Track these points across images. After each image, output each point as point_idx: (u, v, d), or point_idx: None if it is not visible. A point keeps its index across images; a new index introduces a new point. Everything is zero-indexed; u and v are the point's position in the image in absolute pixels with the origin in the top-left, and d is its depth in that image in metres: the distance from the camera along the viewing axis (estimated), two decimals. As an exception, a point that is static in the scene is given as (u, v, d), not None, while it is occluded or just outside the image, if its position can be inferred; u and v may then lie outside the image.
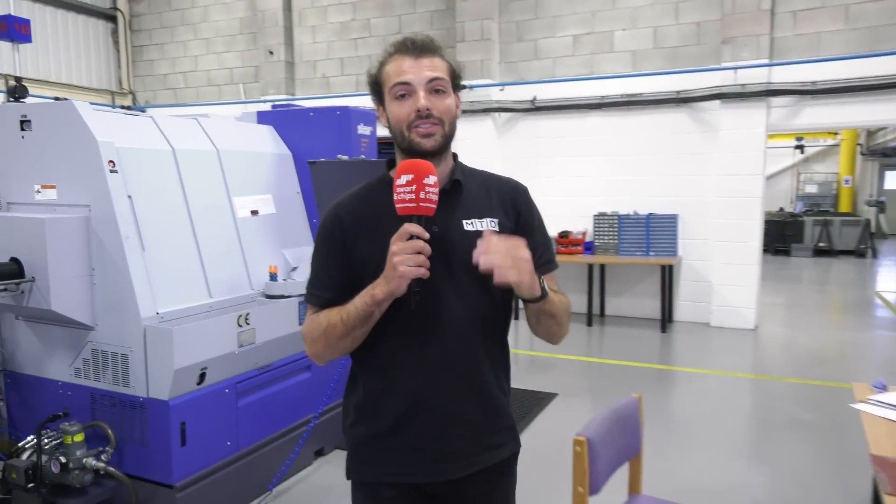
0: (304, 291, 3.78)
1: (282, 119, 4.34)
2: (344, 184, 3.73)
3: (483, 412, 1.61)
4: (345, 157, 3.91)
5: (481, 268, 1.39)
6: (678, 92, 7.58)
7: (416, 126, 1.51)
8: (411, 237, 1.39)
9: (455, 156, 1.66)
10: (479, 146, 8.24)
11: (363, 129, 4.25)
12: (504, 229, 1.58)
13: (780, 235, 14.98)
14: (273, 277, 3.69)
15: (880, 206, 17.19)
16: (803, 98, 7.09)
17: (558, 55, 8.29)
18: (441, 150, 1.56)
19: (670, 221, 7.77)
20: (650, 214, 7.84)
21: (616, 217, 8.01)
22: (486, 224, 1.58)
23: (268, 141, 4.20)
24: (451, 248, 1.52)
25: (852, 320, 8.60)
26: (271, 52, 10.08)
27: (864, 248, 14.64)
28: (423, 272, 1.39)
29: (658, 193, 7.88)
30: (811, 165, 18.21)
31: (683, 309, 7.95)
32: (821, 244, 14.82)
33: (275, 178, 4.09)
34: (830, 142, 17.53)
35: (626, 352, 6.74)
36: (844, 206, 16.83)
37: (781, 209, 16.52)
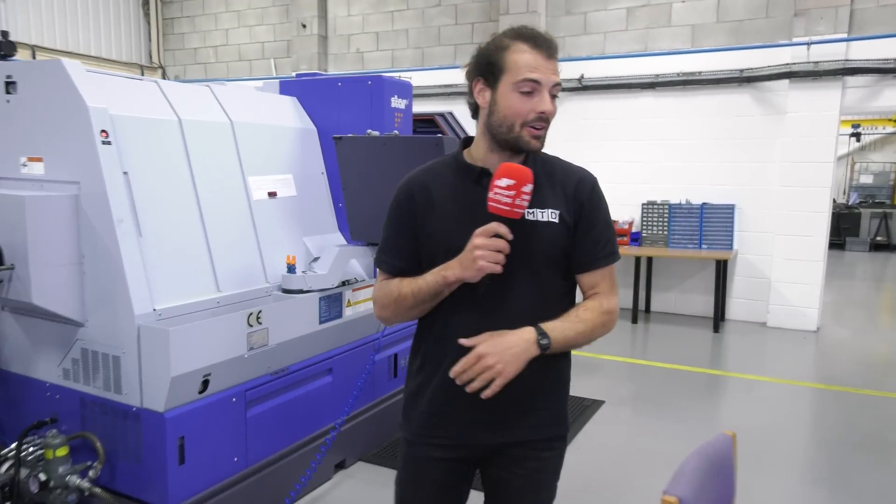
0: (325, 286, 3.34)
1: (307, 90, 3.87)
2: (373, 163, 3.29)
3: (520, 392, 1.63)
4: (375, 133, 3.43)
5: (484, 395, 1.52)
6: (742, 70, 6.90)
7: (532, 126, 1.58)
8: (495, 235, 1.49)
9: None
10: (520, 127, 7.67)
11: (397, 102, 3.77)
12: (564, 221, 1.65)
13: (835, 228, 14.12)
14: (291, 269, 3.24)
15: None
16: (884, 77, 6.38)
17: (609, 30, 7.66)
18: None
19: (726, 212, 7.16)
20: (704, 204, 7.24)
21: (666, 206, 7.42)
22: (548, 215, 1.64)
23: (290, 114, 3.74)
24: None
25: (923, 324, 7.90)
26: (304, 26, 9.63)
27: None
28: (499, 269, 1.51)
29: (714, 181, 7.25)
30: (867, 154, 17.21)
31: (737, 307, 7.34)
32: (878, 238, 13.98)
33: (297, 155, 3.64)
34: (889, 129, 16.50)
35: (675, 353, 6.18)
36: (902, 198, 15.89)
37: (834, 200, 15.62)
